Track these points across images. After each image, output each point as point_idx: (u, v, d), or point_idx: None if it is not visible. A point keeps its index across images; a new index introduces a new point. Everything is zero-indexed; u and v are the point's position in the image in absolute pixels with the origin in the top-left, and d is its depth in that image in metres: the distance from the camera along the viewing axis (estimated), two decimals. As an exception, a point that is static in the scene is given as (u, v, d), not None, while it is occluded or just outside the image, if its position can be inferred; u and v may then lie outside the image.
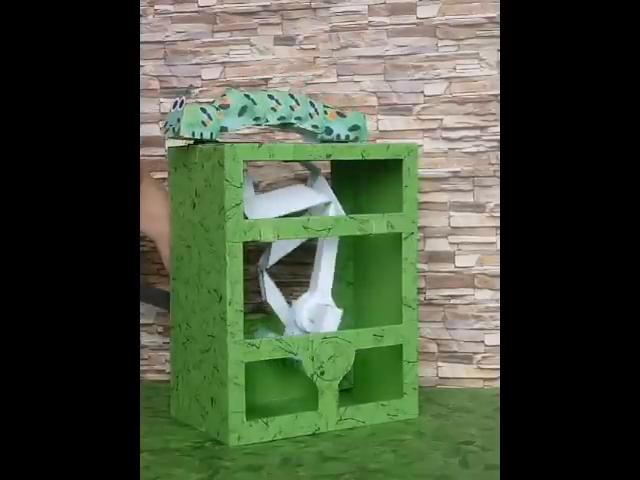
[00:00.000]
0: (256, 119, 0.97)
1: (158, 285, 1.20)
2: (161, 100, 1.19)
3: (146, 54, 1.19)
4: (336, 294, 1.12)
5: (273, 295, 1.03)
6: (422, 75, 1.14)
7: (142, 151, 1.20)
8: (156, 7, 1.19)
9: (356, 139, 1.03)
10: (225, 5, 1.17)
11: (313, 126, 1.00)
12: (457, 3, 1.12)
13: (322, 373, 0.97)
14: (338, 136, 1.01)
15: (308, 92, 1.16)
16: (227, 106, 0.95)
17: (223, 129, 0.96)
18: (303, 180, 1.17)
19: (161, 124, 1.19)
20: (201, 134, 0.94)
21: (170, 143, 1.19)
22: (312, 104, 1.00)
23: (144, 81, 1.19)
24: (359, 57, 1.15)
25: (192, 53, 1.18)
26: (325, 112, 1.00)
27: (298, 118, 0.99)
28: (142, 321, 1.21)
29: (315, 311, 1.00)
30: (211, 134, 0.94)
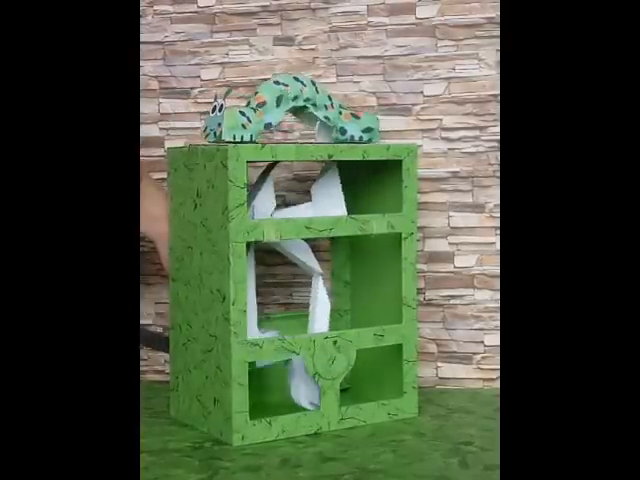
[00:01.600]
0: (295, 99, 0.98)
1: (158, 286, 1.21)
2: (160, 100, 1.19)
3: (145, 54, 1.19)
4: (333, 294, 1.12)
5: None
6: (421, 75, 1.14)
7: (141, 151, 1.20)
8: (155, 7, 1.19)
9: (369, 140, 1.03)
10: (224, 5, 1.17)
11: (325, 117, 1.00)
12: (456, 3, 1.12)
13: (324, 373, 0.97)
14: (352, 137, 1.02)
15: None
16: (264, 103, 0.96)
17: (267, 126, 0.96)
18: (303, 180, 1.17)
19: (161, 124, 1.19)
20: (242, 137, 0.95)
21: (169, 143, 1.19)
22: (330, 98, 1.01)
23: (143, 81, 1.19)
24: (358, 57, 1.15)
25: (191, 53, 1.18)
26: (340, 112, 1.01)
27: (314, 105, 1.00)
28: (142, 322, 1.21)
29: (312, 393, 1.02)
30: (251, 136, 0.96)
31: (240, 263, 0.92)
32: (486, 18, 1.12)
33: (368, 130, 1.02)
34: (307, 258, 1.03)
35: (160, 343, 1.14)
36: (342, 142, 1.02)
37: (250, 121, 0.95)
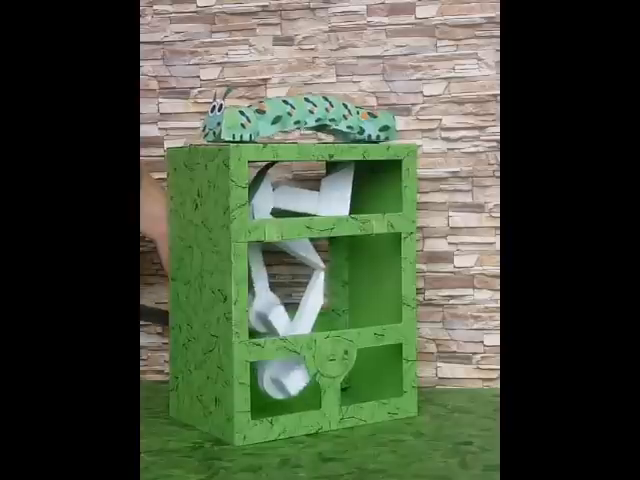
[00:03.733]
0: (297, 122, 0.98)
1: (157, 286, 1.20)
2: (160, 100, 1.19)
3: (145, 54, 1.19)
4: (332, 294, 1.12)
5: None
6: (421, 75, 1.14)
7: (141, 151, 1.20)
8: (155, 7, 1.19)
9: (386, 139, 1.03)
10: (224, 5, 1.17)
11: (348, 127, 1.00)
12: (456, 3, 1.12)
13: (324, 372, 0.97)
14: (369, 136, 1.02)
15: (307, 92, 1.16)
16: (263, 112, 0.96)
17: (256, 134, 0.96)
18: (303, 181, 1.17)
19: (161, 124, 1.19)
20: (241, 136, 0.95)
21: (168, 143, 1.19)
22: (345, 105, 1.00)
23: (143, 81, 1.19)
24: (358, 57, 1.15)
25: (191, 53, 1.18)
26: (357, 112, 1.01)
27: (332, 120, 0.99)
28: (141, 322, 1.21)
29: (278, 374, 1.02)
30: (250, 136, 0.95)
31: (241, 263, 0.92)
32: (486, 18, 1.12)
33: (385, 128, 1.03)
34: (309, 253, 1.03)
35: (159, 317, 1.14)
36: (360, 141, 1.02)
37: (250, 121, 0.95)
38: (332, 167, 1.06)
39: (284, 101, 0.97)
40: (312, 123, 0.98)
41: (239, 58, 1.17)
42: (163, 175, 1.19)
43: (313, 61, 1.16)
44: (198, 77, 1.18)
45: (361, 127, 1.01)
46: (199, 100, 1.18)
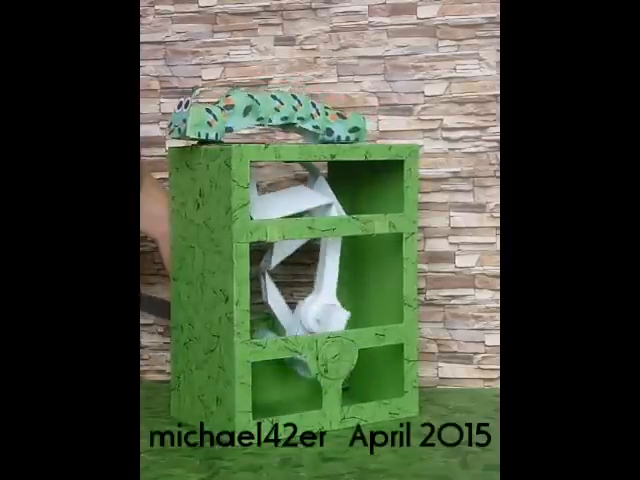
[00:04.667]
0: (259, 119, 0.97)
1: (158, 285, 1.21)
2: (161, 100, 1.19)
3: (146, 54, 1.19)
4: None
5: (274, 297, 1.03)
6: (422, 75, 1.14)
7: (142, 151, 1.20)
8: (156, 7, 1.19)
9: (356, 140, 1.03)
10: (225, 5, 1.17)
11: (314, 126, 1.00)
12: (457, 3, 1.12)
13: (326, 372, 0.97)
14: (338, 138, 1.01)
15: (308, 92, 1.16)
16: (232, 106, 0.95)
17: (228, 129, 0.96)
18: (303, 180, 1.17)
19: (162, 124, 1.19)
20: (207, 135, 0.94)
21: (170, 143, 1.19)
22: (313, 104, 1.00)
23: (144, 81, 1.19)
24: (359, 57, 1.15)
25: (192, 53, 1.18)
26: (326, 113, 1.00)
27: (300, 118, 0.99)
28: (142, 321, 1.21)
29: (322, 312, 1.00)
30: (216, 135, 0.94)
31: (243, 263, 0.92)
32: (487, 18, 1.12)
33: (355, 130, 1.02)
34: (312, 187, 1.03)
35: (161, 309, 1.14)
36: (328, 143, 1.01)
37: (216, 119, 0.94)
38: (309, 182, 1.06)
39: (250, 95, 0.96)
40: (277, 121, 0.98)
41: (240, 58, 1.17)
42: (165, 175, 1.19)
43: (314, 61, 1.16)
44: (200, 77, 1.18)
45: (329, 128, 1.01)
46: (201, 100, 1.18)
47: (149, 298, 1.15)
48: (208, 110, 0.94)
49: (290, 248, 1.03)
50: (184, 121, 0.94)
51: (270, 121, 0.97)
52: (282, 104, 0.98)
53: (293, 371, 1.03)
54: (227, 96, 0.95)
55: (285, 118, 0.98)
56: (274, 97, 0.98)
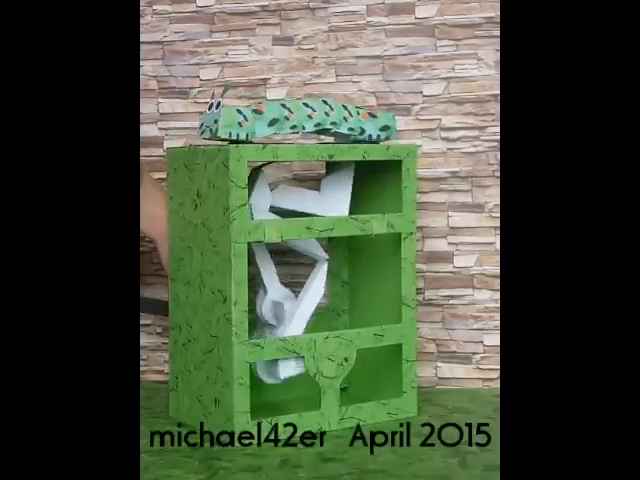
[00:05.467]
0: (293, 127, 0.97)
1: (157, 285, 1.20)
2: (159, 100, 1.19)
3: (144, 54, 1.19)
4: (331, 294, 1.12)
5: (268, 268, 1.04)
6: (421, 75, 1.14)
7: (140, 151, 1.20)
8: (154, 7, 1.19)
9: (386, 139, 1.03)
10: (223, 5, 1.17)
11: (349, 129, 1.00)
12: (456, 3, 1.12)
13: (324, 372, 0.97)
14: (370, 136, 1.02)
15: (307, 92, 1.16)
16: (261, 113, 0.96)
17: (252, 135, 0.96)
18: (303, 180, 1.17)
19: (161, 124, 1.19)
20: (237, 135, 0.94)
21: (168, 143, 1.19)
22: (345, 107, 1.00)
23: (142, 81, 1.19)
24: (358, 57, 1.15)
25: (190, 53, 1.18)
26: (357, 113, 1.01)
27: (334, 123, 0.99)
28: (141, 322, 1.21)
29: (274, 308, 1.02)
30: (247, 135, 0.95)
31: (241, 264, 0.92)
32: (485, 18, 1.12)
33: (385, 128, 1.02)
34: (310, 245, 1.03)
35: (160, 308, 1.14)
36: (361, 142, 1.02)
37: (247, 120, 0.95)
38: (333, 167, 1.06)
39: (282, 105, 0.97)
40: (310, 128, 0.98)
41: (239, 58, 1.17)
42: (163, 175, 1.19)
43: (313, 61, 1.16)
44: (198, 77, 1.18)
45: (362, 128, 1.01)
46: (199, 100, 1.18)
47: (146, 299, 1.15)
48: (239, 111, 0.94)
49: None
50: (215, 122, 0.94)
51: (304, 128, 0.98)
52: (314, 111, 0.98)
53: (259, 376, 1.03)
54: (260, 102, 0.96)
55: (318, 124, 0.98)
56: (306, 105, 0.98)
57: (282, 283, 1.18)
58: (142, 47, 1.19)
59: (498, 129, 1.12)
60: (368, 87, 1.15)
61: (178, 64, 1.19)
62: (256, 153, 0.92)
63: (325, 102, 0.99)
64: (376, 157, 0.99)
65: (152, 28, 1.19)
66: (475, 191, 1.13)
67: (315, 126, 0.98)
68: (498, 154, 1.13)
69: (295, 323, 1.01)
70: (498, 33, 1.12)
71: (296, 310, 1.02)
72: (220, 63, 1.18)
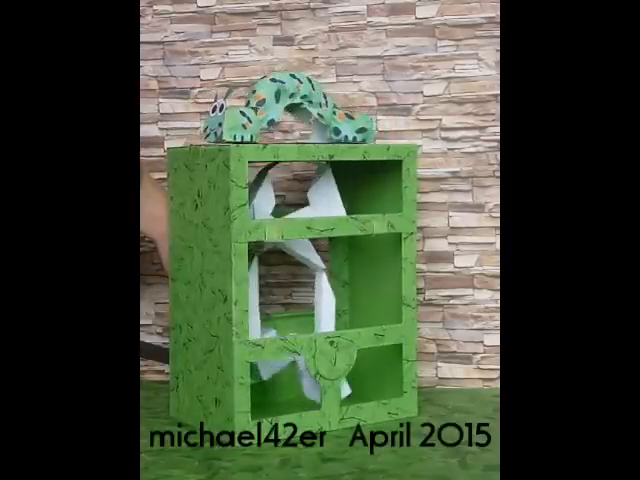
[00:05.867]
0: (291, 96, 0.98)
1: (158, 286, 1.21)
2: (160, 100, 1.19)
3: (145, 54, 1.19)
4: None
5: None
6: (421, 75, 1.14)
7: (141, 151, 1.20)
8: (155, 7, 1.19)
9: (363, 141, 1.03)
10: (224, 5, 1.17)
11: (319, 114, 1.00)
12: (456, 3, 1.12)
13: (325, 373, 0.97)
14: (346, 137, 1.01)
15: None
16: (263, 101, 0.96)
17: (271, 122, 0.96)
18: (303, 180, 1.17)
19: (161, 124, 1.19)
20: (242, 137, 0.95)
21: (169, 143, 1.19)
22: (325, 96, 1.00)
23: (143, 81, 1.19)
24: (358, 57, 1.15)
25: (191, 53, 1.18)
26: (334, 112, 1.01)
27: (310, 101, 0.99)
28: (141, 322, 1.21)
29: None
30: (251, 136, 0.95)
31: (242, 263, 0.92)
32: (486, 18, 1.12)
33: (362, 130, 1.02)
34: (309, 255, 1.03)
35: (160, 355, 1.14)
36: (336, 142, 1.01)
37: (250, 121, 0.95)
38: (313, 178, 1.06)
39: (272, 79, 0.97)
40: (297, 99, 0.98)
41: (239, 58, 1.17)
42: (163, 175, 1.19)
43: (313, 61, 1.16)
44: (198, 77, 1.18)
45: (336, 127, 1.01)
46: (199, 100, 1.18)
47: (147, 345, 1.15)
48: (242, 113, 0.95)
49: None
50: (220, 125, 0.94)
51: (294, 96, 0.98)
52: (301, 83, 0.98)
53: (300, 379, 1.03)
54: (253, 92, 0.96)
55: (305, 96, 0.99)
56: (293, 76, 0.98)
57: (282, 283, 1.18)
58: (143, 47, 1.19)
59: (498, 129, 1.12)
60: (368, 87, 1.15)
61: (179, 64, 1.19)
62: (256, 153, 0.93)
63: (309, 80, 0.99)
64: (376, 157, 0.99)
65: (153, 28, 1.19)
66: (476, 191, 1.13)
67: (301, 97, 0.98)
68: (498, 154, 1.13)
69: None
70: (499, 33, 1.12)
71: (319, 326, 1.03)
72: (221, 63, 1.18)
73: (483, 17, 1.12)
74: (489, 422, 1.00)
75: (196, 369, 0.98)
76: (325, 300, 1.03)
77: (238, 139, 0.95)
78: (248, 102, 0.97)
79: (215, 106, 0.96)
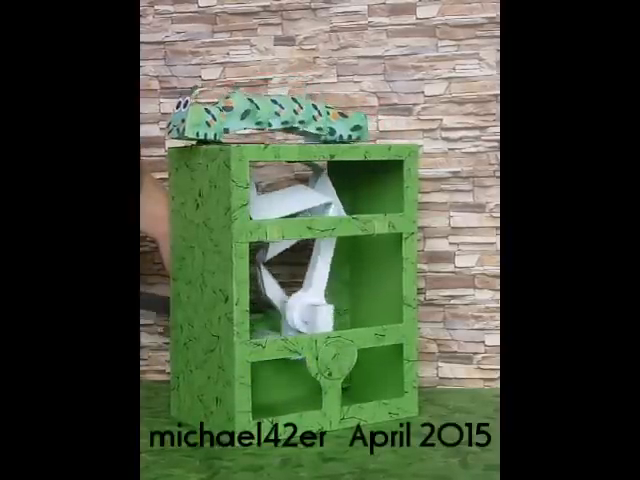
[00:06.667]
0: (258, 123, 0.97)
1: (159, 285, 1.21)
2: (161, 100, 1.19)
3: (146, 54, 1.19)
4: (332, 293, 1.12)
5: (272, 289, 1.03)
6: (422, 75, 1.14)
7: (142, 151, 1.20)
8: (156, 7, 1.19)
9: (358, 139, 1.03)
10: (225, 5, 1.17)
11: (317, 128, 1.00)
12: (457, 3, 1.12)
13: (326, 372, 0.97)
14: (341, 137, 1.01)
15: (308, 92, 1.16)
16: (230, 108, 0.95)
17: (225, 130, 0.96)
18: (303, 180, 1.17)
19: (162, 124, 1.19)
20: (205, 135, 0.94)
21: (170, 143, 1.19)
22: (315, 106, 1.00)
23: (144, 81, 1.19)
24: (359, 57, 1.15)
25: (192, 53, 1.18)
26: (327, 113, 1.00)
27: (302, 122, 0.99)
28: (142, 321, 1.21)
29: (307, 312, 1.00)
30: (215, 135, 0.94)
31: (243, 263, 0.92)
32: (487, 18, 1.12)
33: (356, 128, 1.02)
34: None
35: (160, 305, 1.14)
36: (331, 142, 1.01)
37: (215, 119, 0.94)
38: (311, 179, 1.06)
39: (249, 99, 0.96)
40: (277, 125, 0.97)
41: (240, 58, 1.17)
42: (164, 175, 1.19)
43: (314, 61, 1.16)
44: (199, 77, 1.18)
45: (331, 128, 1.01)
46: (200, 100, 1.18)
47: (148, 295, 1.15)
48: (207, 110, 0.94)
49: (287, 242, 1.03)
50: (183, 121, 0.94)
51: (270, 125, 0.97)
52: (282, 108, 0.97)
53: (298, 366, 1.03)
54: (227, 97, 0.95)
55: (286, 122, 0.98)
56: (274, 101, 0.97)
57: (282, 283, 1.18)
58: (144, 47, 1.19)
59: (499, 129, 1.12)
60: (369, 87, 1.15)
61: (180, 64, 1.19)
62: (258, 153, 0.93)
63: (295, 100, 0.99)
64: (377, 157, 0.99)
65: (154, 28, 1.19)
66: (476, 191, 1.13)
67: (282, 124, 0.98)
68: (499, 154, 1.13)
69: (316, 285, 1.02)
70: (499, 33, 1.12)
71: (308, 290, 1.02)
72: (222, 63, 1.18)
73: (484, 17, 1.12)
74: (489, 422, 1.00)
75: (197, 369, 0.98)
76: (318, 270, 1.02)
77: (201, 136, 0.94)
78: (217, 102, 0.96)
79: (179, 102, 0.95)
